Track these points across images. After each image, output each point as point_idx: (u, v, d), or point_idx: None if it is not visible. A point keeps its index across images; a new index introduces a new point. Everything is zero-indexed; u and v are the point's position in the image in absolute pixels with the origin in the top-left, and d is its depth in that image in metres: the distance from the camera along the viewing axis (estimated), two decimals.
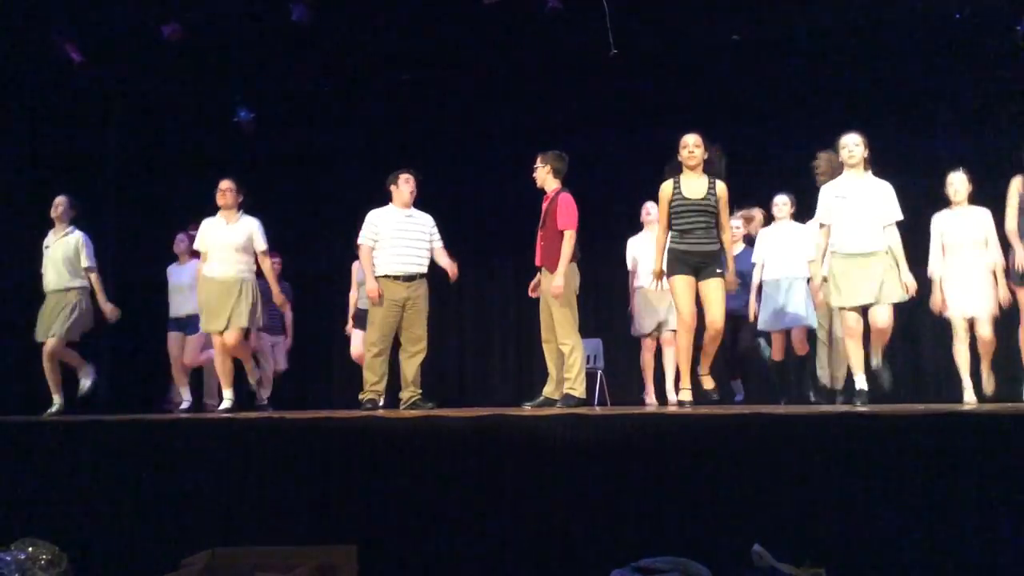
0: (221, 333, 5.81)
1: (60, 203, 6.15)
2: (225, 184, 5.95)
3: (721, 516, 3.55)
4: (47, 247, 6.14)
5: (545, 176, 5.73)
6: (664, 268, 5.14)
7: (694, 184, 5.05)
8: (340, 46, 7.31)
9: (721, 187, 5.05)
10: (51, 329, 5.95)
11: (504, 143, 8.22)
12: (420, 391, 5.80)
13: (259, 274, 6.01)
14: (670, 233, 5.11)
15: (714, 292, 5.00)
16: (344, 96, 8.07)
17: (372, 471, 3.99)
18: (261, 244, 5.93)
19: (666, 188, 5.11)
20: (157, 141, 8.45)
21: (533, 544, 3.72)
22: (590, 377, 7.44)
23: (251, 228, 5.92)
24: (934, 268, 5.56)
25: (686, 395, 5.15)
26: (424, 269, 5.89)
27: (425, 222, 5.93)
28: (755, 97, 7.67)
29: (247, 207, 6.04)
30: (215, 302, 5.81)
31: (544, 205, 5.71)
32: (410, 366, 5.80)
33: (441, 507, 3.86)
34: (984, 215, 5.45)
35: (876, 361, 5.11)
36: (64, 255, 6.04)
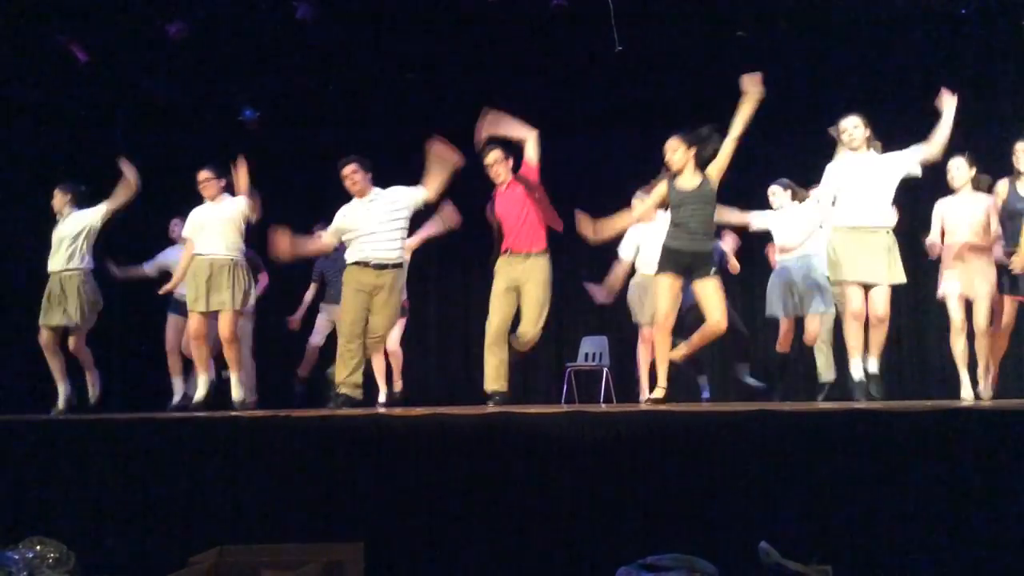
0: (204, 315, 5.67)
1: (57, 195, 6.09)
2: (203, 175, 5.79)
3: (727, 513, 3.55)
4: (55, 230, 6.09)
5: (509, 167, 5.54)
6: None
7: (687, 178, 5.07)
8: (344, 45, 7.32)
9: (712, 173, 5.03)
10: (61, 317, 5.91)
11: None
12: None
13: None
14: (667, 229, 5.15)
15: (711, 294, 4.99)
16: (348, 95, 8.07)
17: (379, 468, 3.99)
18: (247, 211, 5.72)
19: (660, 187, 5.18)
20: (162, 140, 8.46)
21: (539, 541, 3.72)
22: (596, 375, 7.45)
23: (238, 202, 5.75)
24: (934, 240, 5.46)
25: (659, 393, 5.09)
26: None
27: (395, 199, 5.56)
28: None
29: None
30: (203, 282, 5.65)
31: (509, 192, 5.51)
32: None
33: (447, 504, 3.86)
34: (985, 201, 5.41)
35: (873, 366, 4.93)
36: (70, 232, 5.99)
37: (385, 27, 7.09)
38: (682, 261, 5.02)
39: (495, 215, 5.60)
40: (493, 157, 5.53)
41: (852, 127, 4.96)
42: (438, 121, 8.35)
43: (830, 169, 5.09)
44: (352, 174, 5.55)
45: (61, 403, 6.00)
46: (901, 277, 4.91)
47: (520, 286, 5.45)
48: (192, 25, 6.85)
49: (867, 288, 4.90)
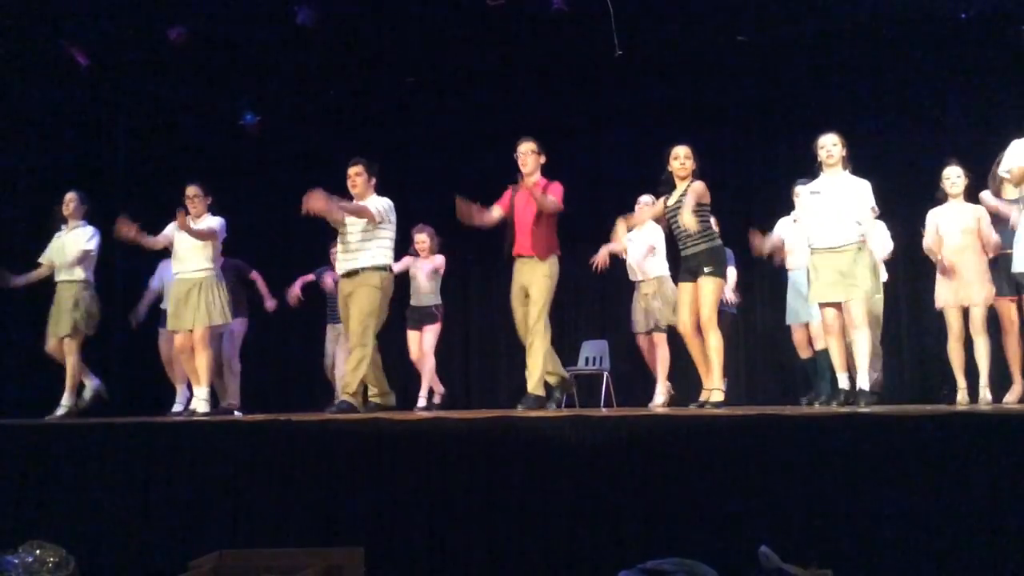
0: (187, 332, 5.76)
1: (71, 199, 6.10)
2: (191, 191, 5.92)
3: (728, 517, 3.55)
4: (58, 237, 6.10)
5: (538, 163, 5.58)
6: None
7: (676, 192, 5.21)
8: (345, 49, 7.32)
9: (691, 187, 5.13)
10: (61, 327, 5.91)
11: (508, 144, 8.24)
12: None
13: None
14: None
15: (705, 293, 5.07)
16: (349, 98, 8.09)
17: (378, 473, 3.99)
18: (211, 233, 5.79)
19: (659, 204, 5.36)
20: (163, 144, 8.47)
21: (539, 546, 3.72)
22: (596, 379, 7.45)
23: (208, 223, 5.83)
24: (931, 245, 5.43)
25: (718, 396, 5.02)
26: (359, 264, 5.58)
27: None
28: (760, 97, 7.66)
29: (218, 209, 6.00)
30: (180, 302, 5.81)
31: (526, 192, 5.52)
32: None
33: (447, 509, 3.86)
34: (977, 210, 5.41)
35: (862, 380, 4.85)
36: (74, 246, 6.01)
37: (385, 31, 7.10)
38: (690, 266, 5.15)
39: (512, 210, 5.61)
40: (526, 147, 5.61)
41: (831, 144, 5.01)
42: (438, 124, 8.43)
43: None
44: (354, 176, 5.61)
45: (61, 409, 5.97)
46: (869, 289, 4.95)
47: (527, 288, 5.51)
48: (192, 30, 6.85)
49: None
